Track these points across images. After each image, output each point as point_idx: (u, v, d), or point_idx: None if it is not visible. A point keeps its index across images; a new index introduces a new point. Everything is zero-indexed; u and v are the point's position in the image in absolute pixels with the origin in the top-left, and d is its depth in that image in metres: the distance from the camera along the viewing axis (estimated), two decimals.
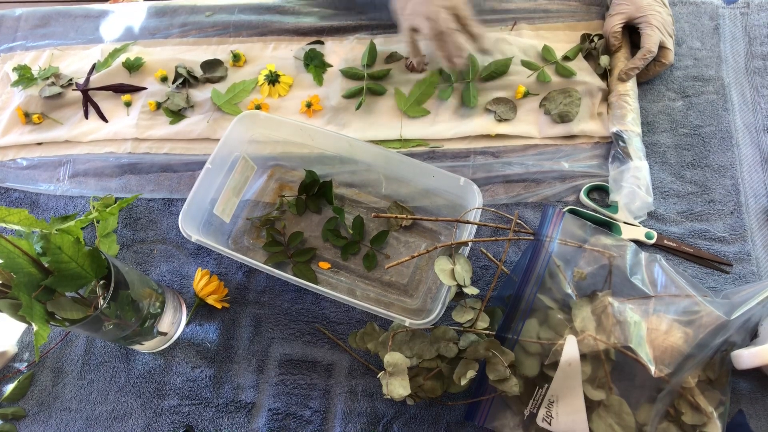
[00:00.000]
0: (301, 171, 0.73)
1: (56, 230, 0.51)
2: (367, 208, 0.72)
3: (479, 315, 0.55)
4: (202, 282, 0.66)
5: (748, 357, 0.55)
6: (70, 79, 0.83)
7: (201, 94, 0.80)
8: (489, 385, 0.54)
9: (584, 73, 0.76)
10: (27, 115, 0.82)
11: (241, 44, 0.85)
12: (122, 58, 0.84)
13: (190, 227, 0.60)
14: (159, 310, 0.61)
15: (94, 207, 0.73)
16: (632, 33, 0.78)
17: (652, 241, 0.67)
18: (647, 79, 0.77)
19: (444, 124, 0.76)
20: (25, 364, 0.67)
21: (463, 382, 0.53)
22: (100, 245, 0.71)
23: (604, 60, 0.76)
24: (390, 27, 0.85)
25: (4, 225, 0.53)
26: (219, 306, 0.66)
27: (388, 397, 0.51)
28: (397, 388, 0.51)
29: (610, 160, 0.72)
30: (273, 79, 0.80)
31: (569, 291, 0.54)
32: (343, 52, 0.82)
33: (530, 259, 0.56)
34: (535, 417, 0.54)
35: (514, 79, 0.77)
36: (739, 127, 0.74)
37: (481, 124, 0.75)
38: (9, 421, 0.64)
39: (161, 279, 0.70)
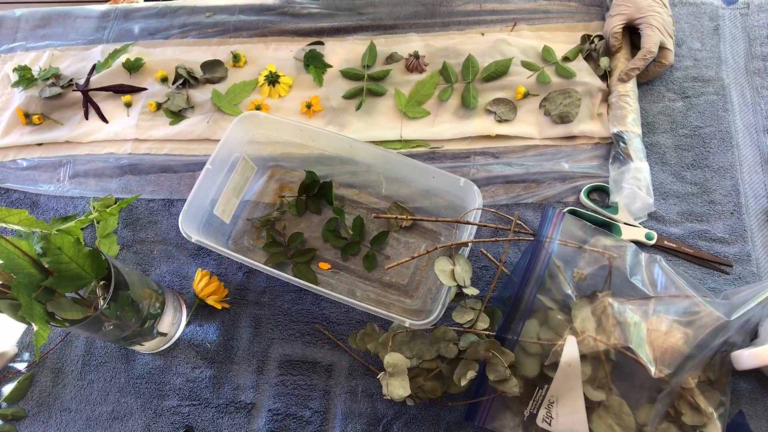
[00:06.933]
0: (301, 171, 0.73)
1: (56, 231, 0.51)
2: (368, 209, 0.72)
3: (479, 315, 0.54)
4: (202, 282, 0.66)
5: (748, 358, 0.55)
6: (71, 80, 0.83)
7: (201, 94, 0.80)
8: (489, 386, 0.54)
9: (584, 74, 0.76)
10: (27, 116, 0.82)
11: (241, 45, 0.85)
12: (122, 58, 0.84)
13: (190, 228, 0.60)
14: (159, 311, 0.61)
15: (94, 207, 0.73)
16: (632, 34, 0.78)
17: (652, 242, 0.67)
18: (647, 80, 0.77)
19: (444, 125, 0.76)
20: (25, 364, 0.67)
21: (463, 382, 0.53)
22: (100, 246, 0.71)
23: (604, 62, 0.76)
24: (390, 27, 0.85)
25: (4, 225, 0.53)
26: (219, 306, 0.66)
27: (388, 397, 0.51)
28: (397, 388, 0.51)
29: (610, 160, 0.72)
30: (273, 79, 0.80)
31: (569, 291, 0.54)
32: (343, 52, 0.82)
33: (530, 260, 0.56)
34: (535, 417, 0.54)
35: (514, 79, 0.77)
36: (739, 128, 0.74)
37: (481, 124, 0.75)
38: (9, 422, 0.64)
39: (161, 279, 0.70)
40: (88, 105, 0.82)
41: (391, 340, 0.56)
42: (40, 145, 0.81)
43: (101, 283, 0.54)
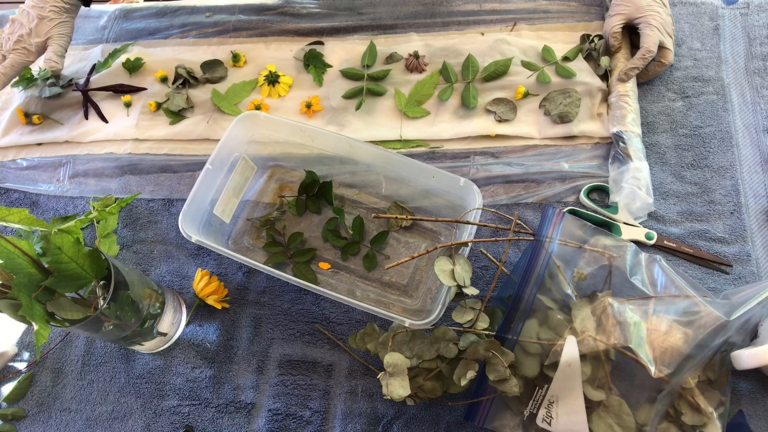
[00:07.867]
0: (301, 171, 0.73)
1: (56, 231, 0.51)
2: (367, 209, 0.72)
3: (479, 315, 0.54)
4: (202, 282, 0.66)
5: (747, 357, 0.55)
6: (71, 80, 0.83)
7: (201, 94, 0.80)
8: (489, 386, 0.54)
9: (584, 74, 0.76)
10: (27, 116, 0.82)
11: (241, 44, 0.85)
12: (122, 58, 0.84)
13: (190, 228, 0.60)
14: (159, 311, 0.61)
15: (93, 207, 0.73)
16: (632, 33, 0.78)
17: (652, 242, 0.67)
18: (647, 80, 0.77)
19: (444, 125, 0.76)
20: (25, 364, 0.67)
21: (463, 382, 0.53)
22: (100, 246, 0.71)
23: (604, 61, 0.76)
24: (390, 27, 0.85)
25: (4, 225, 0.53)
26: (219, 306, 0.66)
27: (388, 397, 0.51)
28: (397, 388, 0.51)
29: (610, 160, 0.72)
30: (273, 79, 0.80)
31: (569, 291, 0.54)
32: (343, 52, 0.82)
33: (530, 260, 0.56)
34: (535, 417, 0.54)
35: (514, 79, 0.77)
36: (739, 128, 0.74)
37: (481, 124, 0.75)
38: (9, 422, 0.64)
39: (161, 279, 0.70)
40: (88, 105, 0.82)
41: (391, 340, 0.56)
42: (39, 144, 0.80)
43: (101, 283, 0.54)
